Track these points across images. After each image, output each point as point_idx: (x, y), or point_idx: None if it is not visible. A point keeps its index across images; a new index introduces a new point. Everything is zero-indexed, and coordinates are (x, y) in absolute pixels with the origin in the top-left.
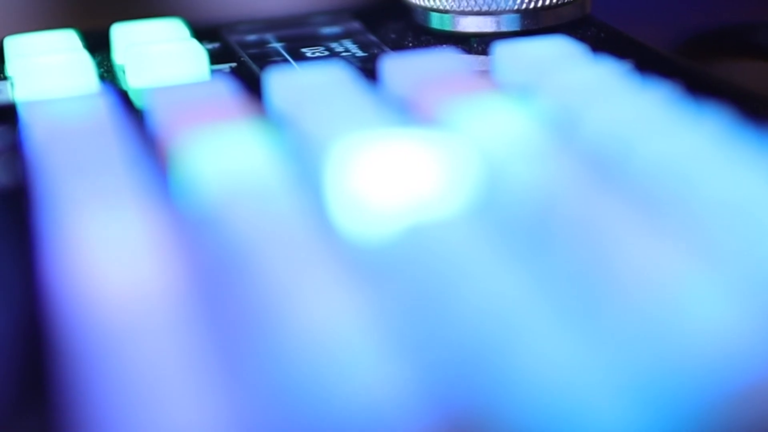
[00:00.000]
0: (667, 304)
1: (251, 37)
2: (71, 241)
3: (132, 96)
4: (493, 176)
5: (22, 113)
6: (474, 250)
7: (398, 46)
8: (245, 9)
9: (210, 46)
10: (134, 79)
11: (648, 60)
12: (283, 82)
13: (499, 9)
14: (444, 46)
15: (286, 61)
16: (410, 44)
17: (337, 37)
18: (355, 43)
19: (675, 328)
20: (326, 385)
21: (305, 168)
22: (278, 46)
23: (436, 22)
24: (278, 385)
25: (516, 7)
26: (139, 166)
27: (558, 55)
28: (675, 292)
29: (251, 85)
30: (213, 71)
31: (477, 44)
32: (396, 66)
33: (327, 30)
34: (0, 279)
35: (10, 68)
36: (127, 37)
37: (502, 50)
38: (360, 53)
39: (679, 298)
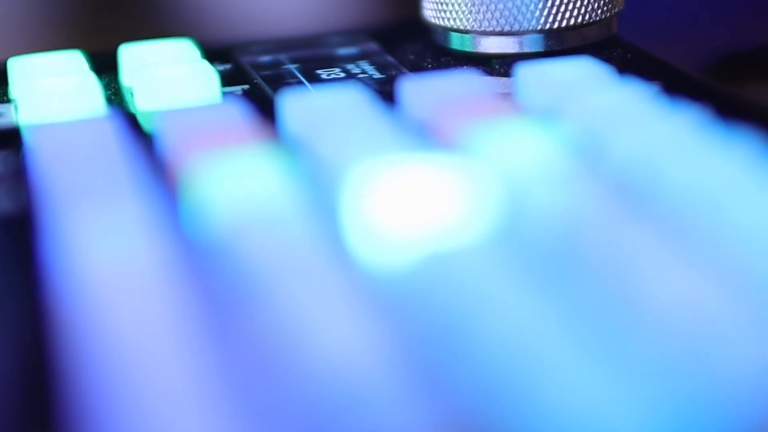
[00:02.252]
0: (697, 335)
1: (264, 59)
2: (77, 270)
3: (140, 119)
4: (516, 203)
5: (27, 137)
6: (496, 280)
7: (417, 67)
8: (258, 29)
9: (221, 67)
10: (143, 102)
11: (676, 82)
12: (298, 105)
13: (521, 29)
14: (464, 67)
15: (300, 83)
16: (429, 65)
17: (353, 59)
18: (372, 64)
19: (705, 360)
20: (343, 418)
21: (320, 194)
22: (292, 67)
23: (457, 42)
24: (293, 419)
25: (539, 27)
26: (148, 193)
27: (583, 77)
28: (705, 323)
29: (264, 108)
30: (225, 94)
31: (499, 65)
32: (415, 88)
33: (343, 51)
34: (4, 309)
35: (13, 90)
36: (136, 59)
37: (524, 72)
38: (377, 75)
39: (710, 329)
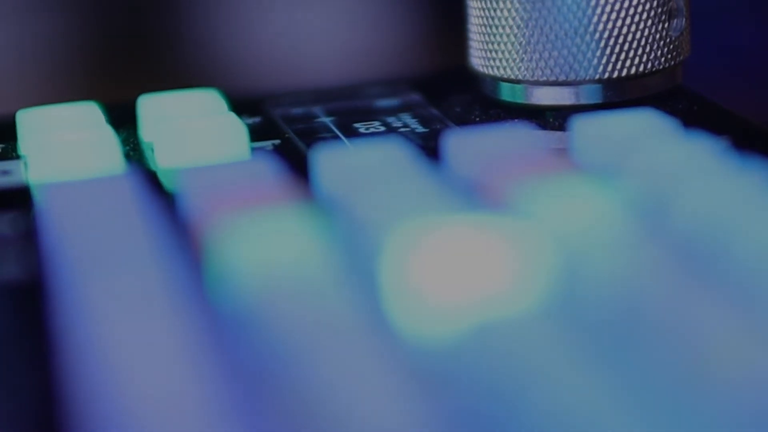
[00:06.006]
0: None
1: (297, 111)
2: (93, 342)
3: (161, 177)
4: (571, 269)
5: (38, 197)
6: (549, 353)
7: (464, 120)
8: (290, 79)
9: (250, 120)
10: (164, 159)
11: (748, 136)
12: (333, 161)
13: (578, 79)
14: (515, 120)
15: (336, 137)
16: (477, 118)
17: (394, 111)
18: (414, 117)
19: None
20: None
21: (358, 260)
22: (327, 120)
23: (507, 93)
24: None
25: (597, 76)
26: (170, 257)
27: (645, 131)
28: None
29: (297, 165)
30: (254, 149)
31: (553, 118)
32: (461, 143)
33: (383, 103)
34: (14, 383)
35: (23, 146)
36: (156, 111)
37: (581, 125)
38: (420, 129)
39: None
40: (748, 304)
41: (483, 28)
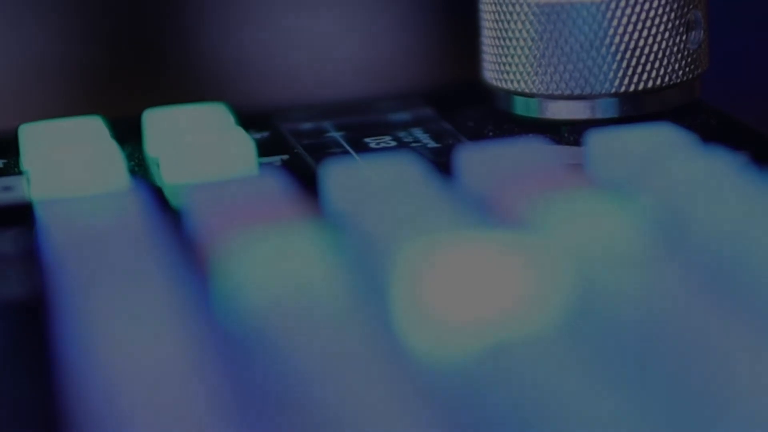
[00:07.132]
0: None
1: (306, 126)
2: (96, 361)
3: (167, 194)
4: (587, 287)
5: (40, 213)
6: (565, 374)
7: (477, 135)
8: (299, 93)
9: (258, 135)
10: (170, 174)
11: (766, 151)
12: (343, 177)
13: (593, 93)
14: (530, 135)
15: (346, 152)
16: (491, 133)
17: (405, 126)
18: (426, 132)
19: None
20: None
21: (368, 278)
22: (337, 135)
23: (521, 107)
24: None
25: (613, 90)
26: (176, 276)
27: (662, 146)
28: None
29: (306, 181)
30: (262, 165)
31: (568, 133)
32: (474, 159)
33: (394, 117)
34: (16, 404)
35: (26, 161)
36: (162, 125)
37: (597, 140)
38: (432, 144)
39: None
40: None
41: (496, 40)
